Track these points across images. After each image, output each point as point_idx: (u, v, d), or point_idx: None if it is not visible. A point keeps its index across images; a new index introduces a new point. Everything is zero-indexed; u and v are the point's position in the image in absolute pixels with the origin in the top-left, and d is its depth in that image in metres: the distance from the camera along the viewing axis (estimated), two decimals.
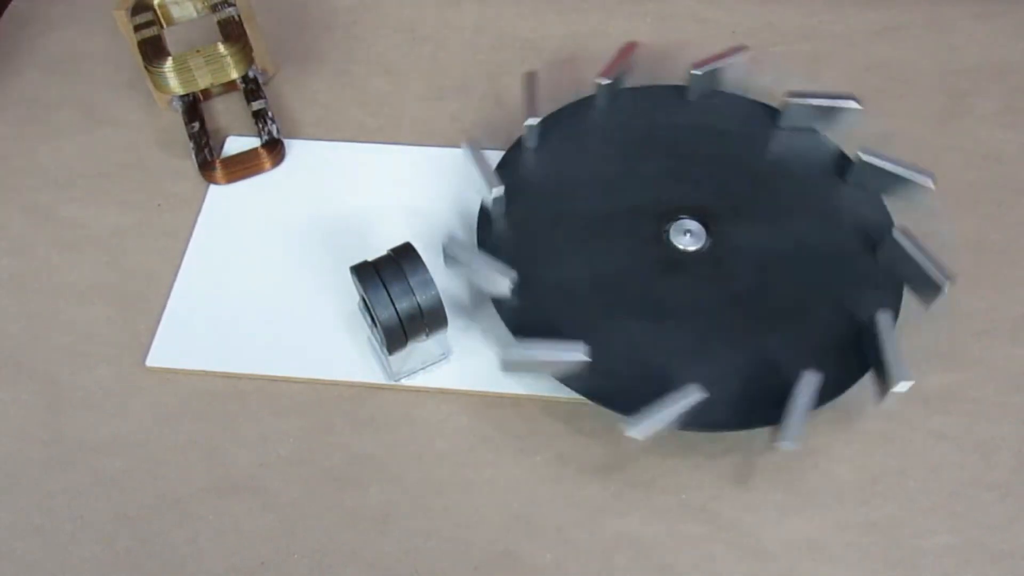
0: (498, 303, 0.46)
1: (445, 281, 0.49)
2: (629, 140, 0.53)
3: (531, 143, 0.52)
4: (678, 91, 0.55)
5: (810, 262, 0.48)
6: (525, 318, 0.46)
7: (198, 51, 0.52)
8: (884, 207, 0.50)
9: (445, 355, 0.47)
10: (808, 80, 0.58)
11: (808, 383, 0.42)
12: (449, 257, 0.46)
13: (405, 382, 0.47)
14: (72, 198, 0.55)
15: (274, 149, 0.56)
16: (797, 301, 0.46)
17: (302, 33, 0.63)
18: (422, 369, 0.47)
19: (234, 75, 0.54)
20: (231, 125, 0.59)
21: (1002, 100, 0.58)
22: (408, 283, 0.42)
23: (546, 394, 0.46)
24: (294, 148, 0.57)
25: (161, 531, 0.43)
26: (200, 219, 0.54)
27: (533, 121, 0.51)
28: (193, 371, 0.48)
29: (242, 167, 0.55)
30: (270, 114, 0.57)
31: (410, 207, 0.53)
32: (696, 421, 0.42)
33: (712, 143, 0.53)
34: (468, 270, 0.46)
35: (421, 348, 0.46)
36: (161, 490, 0.44)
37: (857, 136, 0.53)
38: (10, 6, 0.66)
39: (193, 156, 0.56)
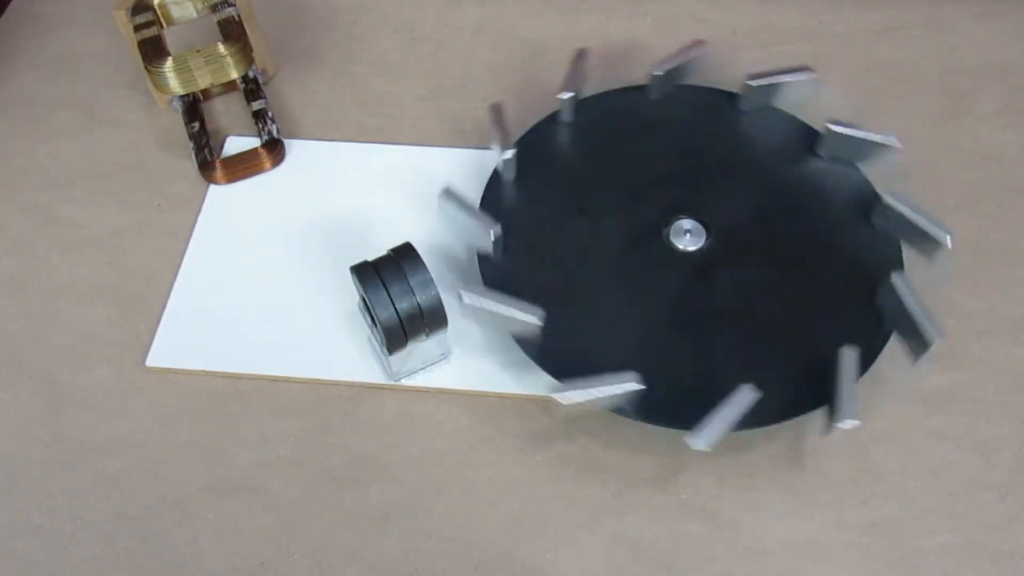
0: (524, 344, 0.45)
1: (445, 281, 0.49)
2: (606, 148, 0.53)
3: (508, 173, 0.51)
4: (644, 91, 0.55)
5: (809, 242, 0.48)
6: (554, 353, 0.45)
7: (198, 51, 0.52)
8: (863, 176, 0.50)
9: (445, 355, 0.47)
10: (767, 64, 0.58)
11: (848, 358, 0.42)
12: (467, 307, 0.44)
13: (405, 382, 0.47)
14: (72, 198, 0.55)
15: (274, 149, 0.56)
16: (805, 283, 0.47)
17: (302, 33, 0.63)
18: (422, 369, 0.47)
19: (234, 75, 0.54)
20: (231, 125, 0.59)
21: (1002, 100, 0.58)
22: (408, 283, 0.42)
23: (546, 394, 0.46)
24: (294, 148, 0.57)
25: (161, 531, 0.43)
26: (200, 219, 0.54)
27: (508, 154, 0.50)
28: (193, 371, 0.48)
29: (242, 167, 0.55)
30: (270, 114, 0.57)
31: (410, 207, 0.53)
32: (747, 421, 0.42)
33: (687, 138, 0.53)
34: (493, 318, 0.44)
35: (421, 348, 0.46)
36: (161, 490, 0.44)
37: (831, 113, 0.52)
38: (10, 6, 0.66)
39: (193, 156, 0.56)
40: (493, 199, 0.51)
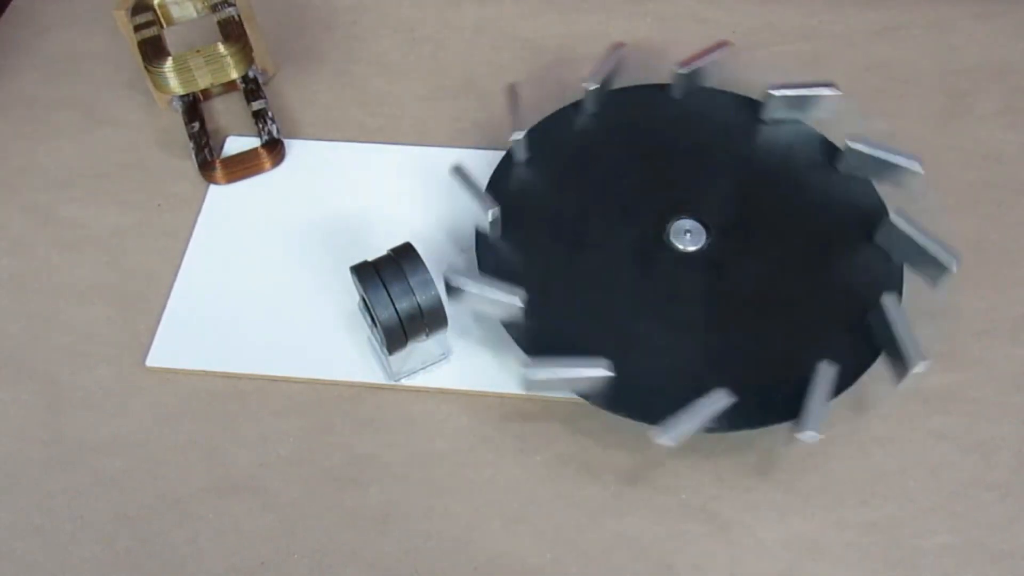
0: (509, 325, 0.46)
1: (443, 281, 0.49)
2: (620, 142, 0.53)
3: (520, 156, 0.52)
4: (667, 89, 0.55)
5: (810, 253, 0.48)
6: (533, 334, 0.45)
7: (198, 51, 0.52)
8: (877, 194, 0.50)
9: (445, 355, 0.47)
10: (795, 73, 0.58)
11: (824, 373, 0.42)
12: (453, 289, 0.45)
13: (405, 382, 0.47)
14: (72, 198, 0.55)
15: (274, 149, 0.56)
16: (801, 295, 0.47)
17: (302, 33, 0.63)
18: (422, 369, 0.47)
19: (234, 75, 0.54)
20: (231, 125, 0.59)
21: (1002, 100, 0.58)
22: (408, 283, 0.42)
23: (546, 395, 0.46)
24: (294, 148, 0.57)
25: (161, 531, 0.43)
26: (200, 219, 0.54)
27: (519, 135, 0.51)
28: (193, 371, 0.48)
29: (242, 167, 0.55)
30: (270, 114, 0.57)
31: (410, 207, 0.53)
32: (719, 424, 0.42)
33: (702, 140, 0.52)
34: (476, 300, 0.45)
35: (421, 348, 0.46)
36: (161, 490, 0.44)
37: (852, 129, 0.52)
38: (10, 6, 0.66)
39: (193, 156, 0.56)
40: (501, 182, 0.51)
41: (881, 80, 0.59)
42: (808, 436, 0.40)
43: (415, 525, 0.43)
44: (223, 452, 0.45)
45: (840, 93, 0.51)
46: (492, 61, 0.61)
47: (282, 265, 0.51)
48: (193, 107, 0.58)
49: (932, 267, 0.46)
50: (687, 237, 0.48)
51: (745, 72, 0.56)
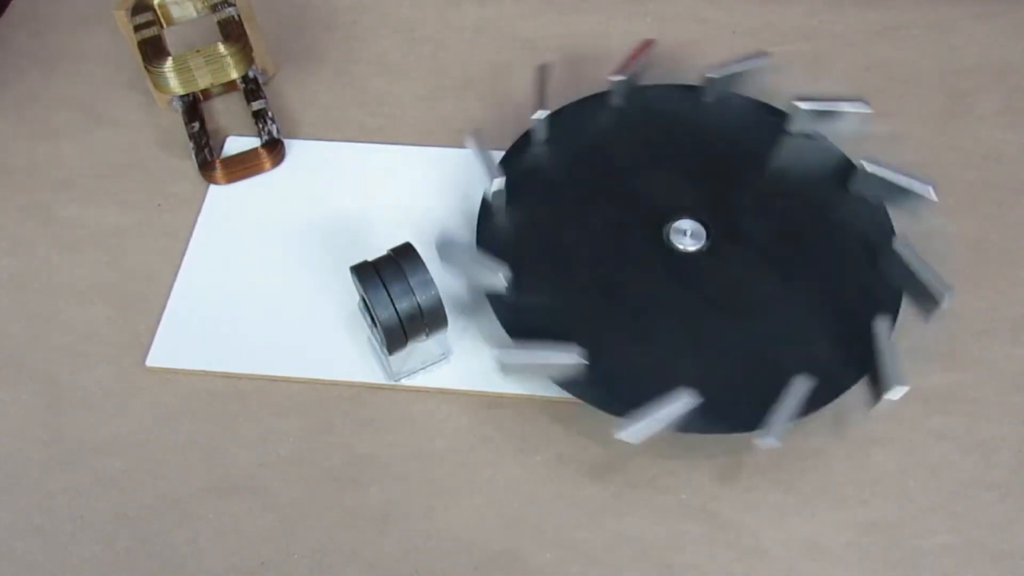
0: (495, 302, 0.46)
1: (445, 281, 0.49)
2: (632, 139, 0.53)
3: (539, 136, 0.52)
4: (684, 91, 0.55)
5: (809, 266, 0.48)
6: (522, 318, 0.46)
7: (198, 51, 0.52)
8: (886, 215, 0.49)
9: (445, 355, 0.47)
10: (813, 82, 0.58)
11: (797, 387, 0.42)
12: (444, 254, 0.46)
13: (405, 382, 0.47)
14: (72, 198, 0.55)
15: (274, 149, 0.56)
16: (795, 305, 0.46)
17: (302, 33, 0.63)
18: (422, 369, 0.47)
19: (234, 75, 0.54)
20: (231, 125, 0.59)
21: (1002, 100, 0.58)
22: (408, 283, 0.42)
23: (546, 394, 0.46)
24: (294, 148, 0.57)
25: (161, 531, 0.43)
26: (200, 219, 0.54)
27: (542, 114, 0.51)
28: (193, 371, 0.48)
29: (242, 167, 0.55)
30: (270, 114, 0.57)
31: (410, 207, 0.53)
32: (691, 424, 0.42)
33: (715, 144, 0.52)
34: (462, 267, 0.46)
35: (421, 348, 0.46)
36: (161, 490, 0.44)
37: (859, 137, 0.52)
38: (10, 6, 0.66)
39: (193, 156, 0.56)
40: (514, 158, 0.52)
41: (881, 80, 0.59)
42: (764, 442, 0.41)
43: (415, 525, 0.43)
44: (223, 452, 0.45)
45: (870, 111, 0.51)
46: (492, 61, 0.61)
47: (282, 265, 0.51)
48: (193, 107, 0.58)
49: (926, 299, 0.45)
50: (686, 237, 0.48)
51: (774, 80, 0.55)
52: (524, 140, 0.53)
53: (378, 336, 0.44)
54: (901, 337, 0.46)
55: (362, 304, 0.45)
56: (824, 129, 0.52)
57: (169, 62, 0.52)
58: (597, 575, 0.42)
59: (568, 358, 0.43)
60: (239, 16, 0.54)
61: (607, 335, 0.45)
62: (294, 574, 0.42)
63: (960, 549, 0.42)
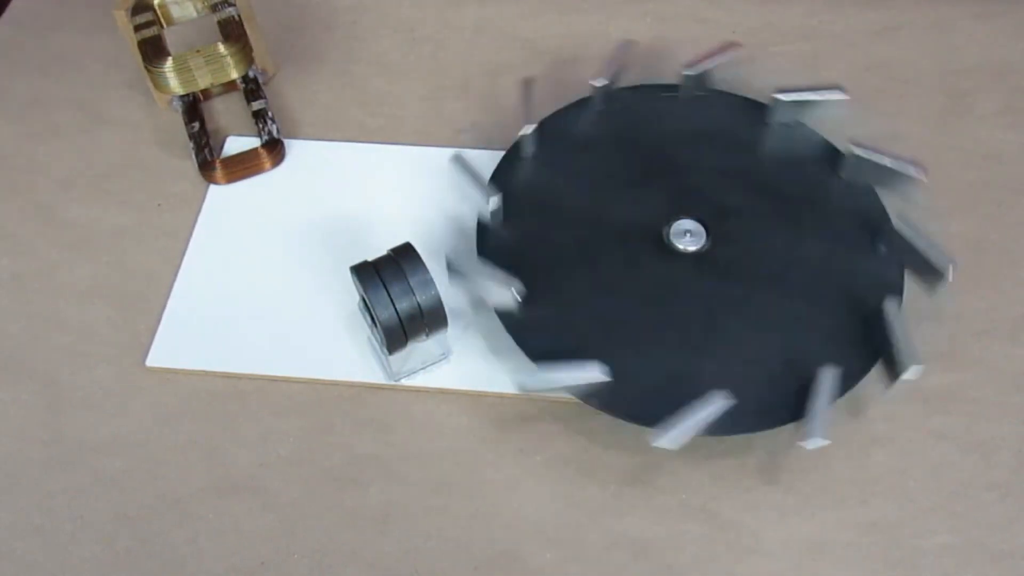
0: (507, 320, 0.46)
1: (445, 281, 0.49)
2: (625, 141, 0.53)
3: (530, 146, 0.52)
4: (674, 90, 0.55)
5: (811, 255, 0.48)
6: (534, 334, 0.45)
7: (198, 51, 0.52)
8: (879, 199, 0.50)
9: (445, 355, 0.47)
10: (803, 77, 0.58)
11: (827, 378, 0.42)
12: (454, 272, 0.45)
13: (405, 382, 0.47)
14: (72, 198, 0.55)
15: (274, 149, 0.56)
16: (802, 295, 0.46)
17: (302, 33, 0.63)
18: (422, 369, 0.47)
19: (234, 75, 0.54)
20: (231, 125, 0.59)
21: (1002, 100, 0.58)
22: (408, 283, 0.42)
23: (546, 395, 0.46)
24: (294, 148, 0.57)
25: (161, 531, 0.43)
26: (200, 219, 0.54)
27: (528, 129, 0.51)
28: (193, 371, 0.48)
29: (242, 167, 0.55)
30: (270, 114, 0.57)
31: (410, 207, 0.53)
32: (724, 426, 0.42)
33: (707, 141, 0.52)
34: (474, 284, 0.45)
35: (421, 348, 0.46)
36: (161, 490, 0.44)
37: (856, 134, 0.52)
38: (10, 6, 0.66)
39: (193, 156, 0.56)
40: (505, 173, 0.51)
41: (881, 80, 0.59)
42: (814, 443, 0.41)
43: (415, 525, 0.43)
44: (223, 452, 0.45)
45: (847, 97, 0.51)
46: (492, 61, 0.61)
47: (282, 265, 0.51)
48: (193, 107, 0.58)
49: (930, 273, 0.45)
50: (687, 237, 0.48)
51: (752, 74, 0.56)
52: (514, 151, 0.52)
53: (378, 336, 0.44)
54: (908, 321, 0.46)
55: (362, 304, 0.45)
56: (807, 119, 0.52)
57: (169, 62, 0.52)
58: (597, 575, 0.42)
59: (591, 376, 0.43)
60: (239, 16, 0.54)
61: (622, 344, 0.45)
62: (294, 574, 0.42)
63: (960, 549, 0.42)
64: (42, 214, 0.55)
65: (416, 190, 0.54)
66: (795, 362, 0.44)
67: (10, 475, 0.45)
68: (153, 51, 0.53)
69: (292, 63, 0.62)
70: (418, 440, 0.46)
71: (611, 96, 0.54)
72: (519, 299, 0.45)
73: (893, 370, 0.43)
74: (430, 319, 0.43)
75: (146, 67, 0.53)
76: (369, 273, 0.42)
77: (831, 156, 0.51)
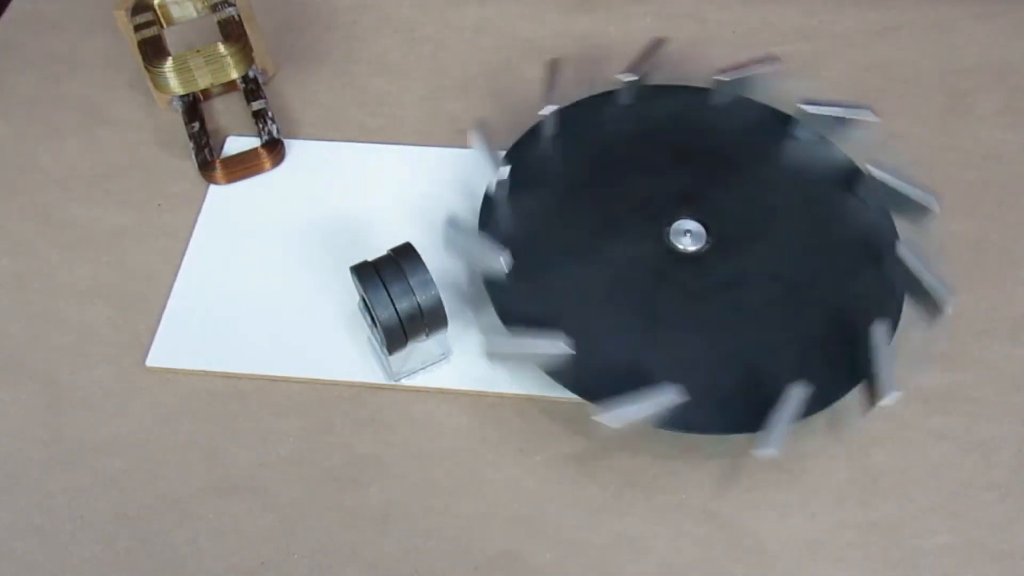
0: (493, 291, 0.46)
1: (445, 280, 0.49)
2: (636, 138, 0.53)
3: (545, 131, 0.53)
4: (686, 92, 0.55)
5: (810, 269, 0.48)
6: (519, 308, 0.46)
7: (198, 51, 0.52)
8: (890, 219, 0.49)
9: (445, 355, 0.47)
10: (816, 86, 0.58)
11: (795, 395, 0.42)
12: (449, 236, 0.46)
13: (405, 382, 0.47)
14: (72, 198, 0.55)
15: (274, 149, 0.56)
16: (794, 308, 0.46)
17: (302, 33, 0.63)
18: (422, 369, 0.47)
19: (234, 75, 0.54)
20: (231, 125, 0.59)
21: (1002, 100, 0.58)
22: (408, 283, 0.42)
23: (546, 394, 0.46)
24: (294, 148, 0.57)
25: (161, 531, 0.43)
26: (200, 219, 0.54)
27: (549, 109, 0.52)
28: (193, 371, 0.48)
29: (242, 167, 0.55)
30: (270, 114, 0.57)
31: (410, 207, 0.53)
32: (678, 422, 0.42)
33: (718, 145, 0.52)
34: (465, 249, 0.46)
35: (421, 348, 0.46)
36: (161, 490, 0.44)
37: (879, 157, 0.52)
38: (10, 6, 0.66)
39: (193, 156, 0.56)
40: (519, 151, 0.52)
41: (881, 80, 0.59)
42: (764, 453, 0.40)
43: (415, 525, 0.43)
44: (223, 452, 0.45)
45: (877, 120, 0.51)
46: (492, 61, 0.61)
47: (282, 265, 0.51)
48: (193, 107, 0.58)
49: (930, 305, 0.45)
50: (687, 237, 0.48)
51: (783, 87, 0.55)
52: (530, 134, 0.53)
53: (378, 336, 0.44)
54: (902, 335, 0.46)
55: (362, 304, 0.45)
56: (828, 133, 0.52)
57: (169, 62, 0.52)
58: (597, 575, 0.42)
59: (554, 347, 0.43)
60: (239, 16, 0.54)
61: (600, 328, 0.45)
62: (294, 574, 0.42)
63: (960, 549, 0.42)
64: (42, 214, 0.55)
65: (416, 190, 0.54)
66: (772, 373, 0.44)
67: (10, 475, 0.45)
68: (153, 51, 0.53)
69: (292, 63, 0.62)
70: (418, 440, 0.46)
71: (630, 92, 0.54)
72: (507, 268, 0.45)
73: (872, 393, 0.43)
74: (430, 319, 0.43)
75: (146, 67, 0.53)
76: (369, 273, 0.42)
77: (849, 174, 0.51)
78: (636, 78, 0.53)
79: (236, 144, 0.57)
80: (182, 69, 0.52)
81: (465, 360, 0.47)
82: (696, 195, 0.50)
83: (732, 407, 0.43)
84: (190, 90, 0.54)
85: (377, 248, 0.44)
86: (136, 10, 0.54)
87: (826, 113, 0.51)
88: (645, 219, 0.49)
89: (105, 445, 0.46)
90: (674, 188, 0.51)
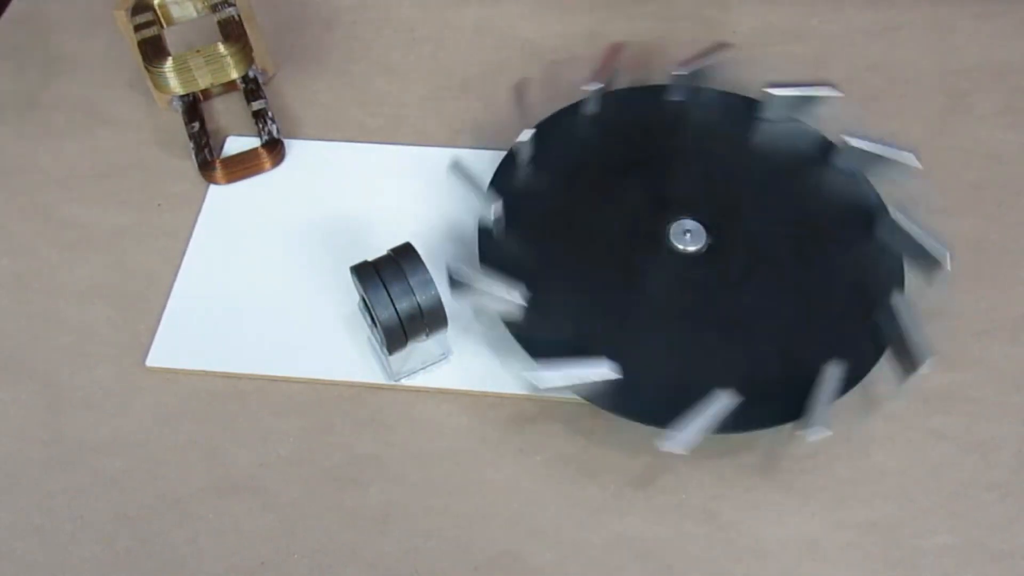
0: (514, 329, 0.45)
1: (445, 281, 0.49)
2: (621, 142, 0.53)
3: (526, 154, 0.52)
4: (670, 91, 0.55)
5: (810, 252, 0.48)
6: (539, 337, 0.45)
7: (198, 51, 0.52)
8: (876, 191, 0.50)
9: (445, 355, 0.47)
10: (795, 73, 0.58)
11: (831, 373, 0.42)
12: (456, 284, 0.45)
13: (405, 382, 0.47)
14: (72, 198, 0.55)
15: (274, 149, 0.56)
16: (802, 293, 0.47)
17: (302, 33, 0.63)
18: (422, 369, 0.47)
19: (234, 75, 0.54)
20: (231, 125, 0.59)
21: (1002, 100, 0.58)
22: (408, 283, 0.42)
23: (546, 394, 0.46)
24: (294, 148, 0.57)
25: (161, 531, 0.43)
26: (200, 219, 0.54)
27: (527, 134, 0.51)
28: (193, 371, 0.48)
29: (242, 167, 0.55)
30: (270, 114, 0.57)
31: (410, 207, 0.53)
32: (731, 424, 0.42)
33: (703, 141, 0.53)
34: (477, 295, 0.45)
35: (421, 348, 0.46)
36: (161, 490, 0.44)
37: (850, 128, 0.52)
38: (10, 6, 0.66)
39: (193, 156, 0.56)
40: (504, 178, 0.51)
41: (881, 80, 0.59)
42: (812, 433, 0.40)
43: (415, 525, 0.43)
44: (223, 452, 0.45)
45: (840, 94, 0.51)
46: (492, 61, 0.61)
47: (282, 265, 0.51)
48: (193, 107, 0.58)
49: (928, 263, 0.46)
50: (687, 237, 0.48)
51: (746, 72, 0.56)
52: (511, 156, 0.52)
53: (378, 336, 0.44)
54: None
55: (362, 304, 0.45)
56: (800, 115, 0.53)
57: (169, 62, 0.52)
58: (597, 575, 0.42)
59: (602, 372, 0.42)
60: (239, 16, 0.54)
61: (627, 345, 0.45)
62: (294, 574, 0.42)
63: (960, 549, 0.42)
64: (42, 214, 0.55)
65: (416, 190, 0.54)
66: (798, 358, 0.44)
67: (10, 475, 0.45)
68: (153, 51, 0.53)
69: (292, 63, 0.62)
70: (418, 440, 0.46)
71: (606, 98, 0.54)
72: (523, 306, 0.45)
73: (907, 364, 0.43)
74: (430, 319, 0.43)
75: (146, 67, 0.53)
76: (369, 273, 0.42)
77: (826, 150, 0.51)
78: (600, 86, 0.53)
79: (236, 144, 0.57)
80: (182, 69, 0.52)
81: (465, 360, 0.47)
82: (688, 194, 0.50)
83: (774, 399, 0.43)
84: (190, 90, 0.54)
85: (377, 248, 0.44)
86: (136, 10, 0.54)
87: (794, 94, 0.52)
88: (642, 224, 0.49)
89: (105, 445, 0.46)
90: (664, 190, 0.50)
